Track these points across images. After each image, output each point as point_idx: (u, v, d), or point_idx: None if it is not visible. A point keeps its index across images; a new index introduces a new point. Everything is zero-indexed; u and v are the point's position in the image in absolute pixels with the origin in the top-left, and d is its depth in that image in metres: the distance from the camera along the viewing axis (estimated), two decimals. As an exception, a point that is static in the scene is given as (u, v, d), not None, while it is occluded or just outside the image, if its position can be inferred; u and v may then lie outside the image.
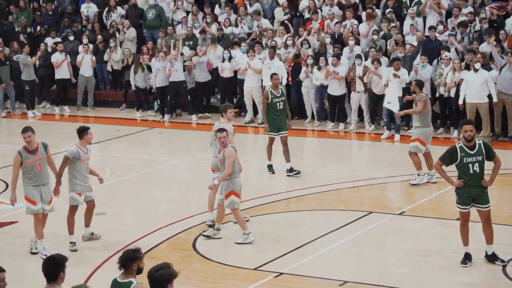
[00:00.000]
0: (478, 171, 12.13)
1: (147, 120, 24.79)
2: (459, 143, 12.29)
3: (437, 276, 12.24)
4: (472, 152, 12.12)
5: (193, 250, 13.60)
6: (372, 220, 14.79)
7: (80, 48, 26.45)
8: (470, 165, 12.12)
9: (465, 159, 12.13)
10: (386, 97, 21.01)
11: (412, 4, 24.23)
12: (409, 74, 21.29)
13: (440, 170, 12.51)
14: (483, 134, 20.34)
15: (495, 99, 20.27)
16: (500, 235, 13.00)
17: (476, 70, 20.06)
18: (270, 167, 18.09)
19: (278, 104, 17.66)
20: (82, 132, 13.81)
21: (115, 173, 19.11)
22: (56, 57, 25.89)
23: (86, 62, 26.01)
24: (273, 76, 17.94)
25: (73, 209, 13.77)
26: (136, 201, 16.58)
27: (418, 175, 16.97)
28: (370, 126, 22.40)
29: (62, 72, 25.98)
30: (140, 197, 16.76)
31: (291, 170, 17.83)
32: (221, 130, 13.52)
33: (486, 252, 12.56)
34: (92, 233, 14.16)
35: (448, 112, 21.79)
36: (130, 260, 8.07)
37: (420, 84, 17.16)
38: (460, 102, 20.38)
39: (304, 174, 17.80)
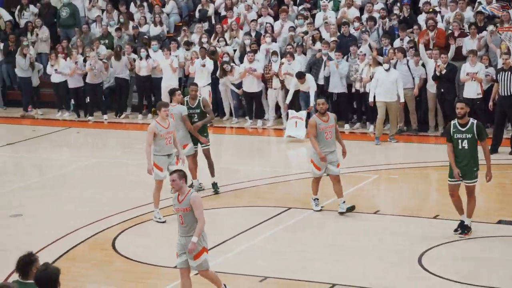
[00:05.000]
0: (466, 147, 12.89)
1: (65, 120, 24.50)
2: (454, 120, 13.02)
3: (354, 267, 12.35)
4: (463, 129, 12.87)
5: (113, 250, 13.49)
6: (292, 216, 14.88)
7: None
8: (460, 141, 12.91)
9: (455, 135, 12.92)
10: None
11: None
12: (324, 69, 21.73)
13: (449, 152, 13.03)
14: (391, 132, 20.55)
15: (402, 99, 20.41)
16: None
17: (387, 70, 20.30)
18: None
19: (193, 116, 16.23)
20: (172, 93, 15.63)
21: (31, 174, 18.83)
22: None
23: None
24: (190, 86, 16.60)
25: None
26: (53, 201, 16.34)
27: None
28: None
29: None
30: (58, 198, 16.53)
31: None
32: (170, 173, 11.52)
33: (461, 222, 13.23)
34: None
35: (364, 107, 22.04)
36: (28, 264, 8.19)
37: None
38: (371, 99, 20.52)
39: (221, 171, 17.35)
